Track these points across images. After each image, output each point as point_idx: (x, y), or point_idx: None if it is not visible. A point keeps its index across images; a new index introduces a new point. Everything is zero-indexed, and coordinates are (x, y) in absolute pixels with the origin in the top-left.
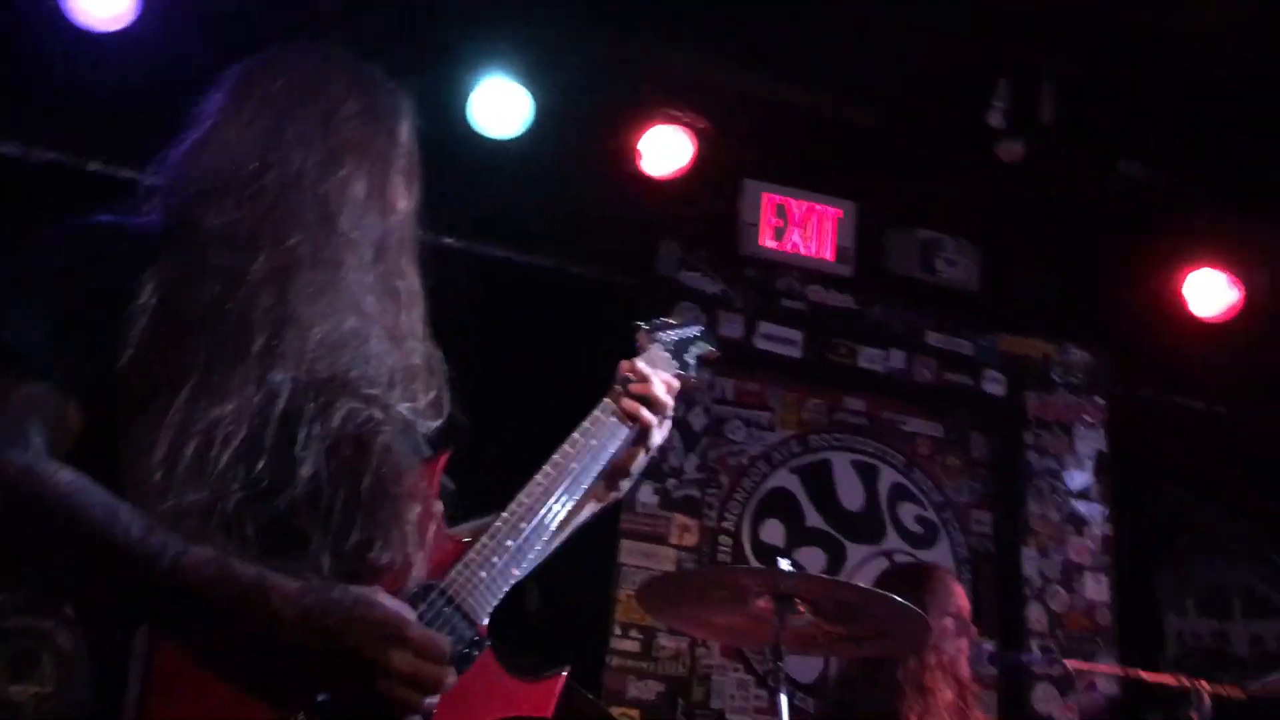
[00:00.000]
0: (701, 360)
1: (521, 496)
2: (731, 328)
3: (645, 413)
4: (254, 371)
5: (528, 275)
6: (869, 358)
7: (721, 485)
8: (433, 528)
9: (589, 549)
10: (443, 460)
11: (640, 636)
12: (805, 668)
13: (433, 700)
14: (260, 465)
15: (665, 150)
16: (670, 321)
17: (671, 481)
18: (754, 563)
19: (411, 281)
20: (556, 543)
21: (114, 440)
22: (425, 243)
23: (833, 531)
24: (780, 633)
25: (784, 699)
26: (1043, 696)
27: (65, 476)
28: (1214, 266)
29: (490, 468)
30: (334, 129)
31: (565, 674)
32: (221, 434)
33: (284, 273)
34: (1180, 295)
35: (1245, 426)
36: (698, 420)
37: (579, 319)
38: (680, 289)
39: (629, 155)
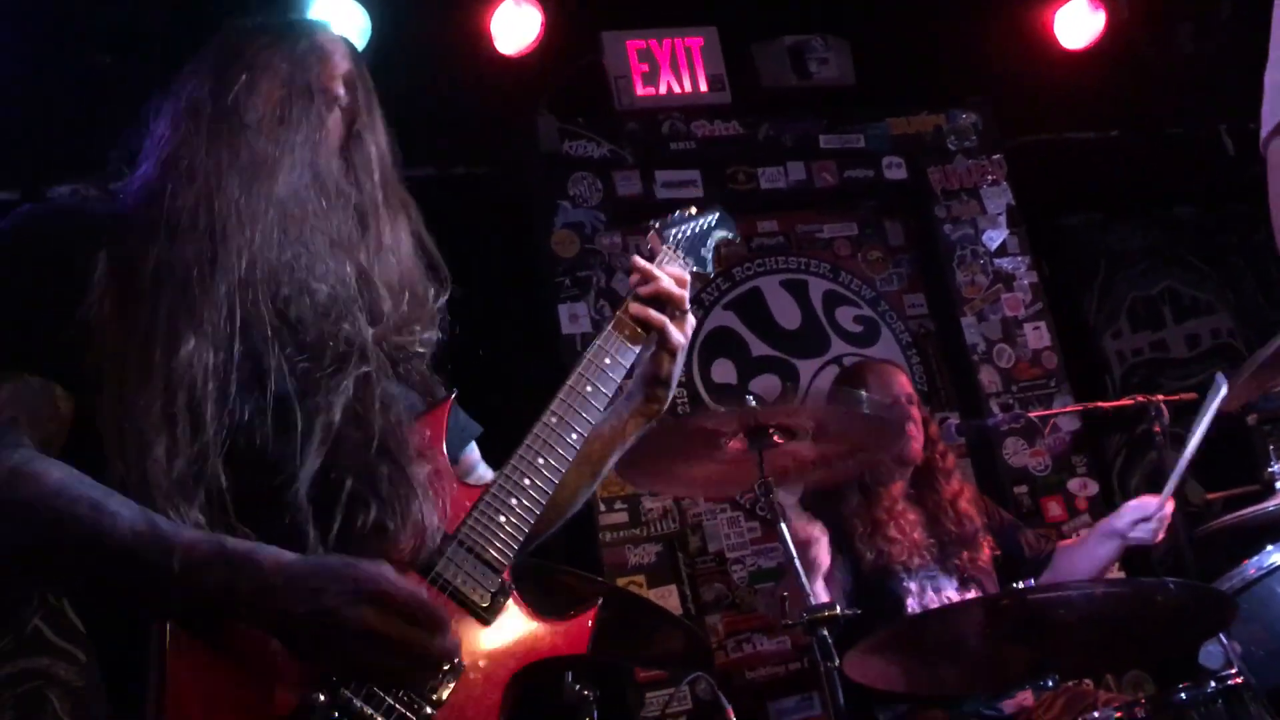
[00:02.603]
0: (721, 247)
1: (535, 431)
2: (629, 185)
3: (654, 313)
4: (224, 329)
5: (414, 191)
6: (769, 177)
7: None
8: (444, 480)
9: None
10: (446, 407)
11: (625, 506)
12: (788, 492)
13: (433, 676)
14: (255, 435)
15: (516, 26)
16: (685, 214)
17: None
18: (712, 406)
19: (382, 204)
20: (602, 474)
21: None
22: None
23: (780, 354)
24: (763, 468)
25: (784, 528)
26: (1012, 450)
27: (55, 476)
28: None
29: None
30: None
31: (597, 606)
32: (211, 378)
33: (233, 233)
34: (1049, 33)
35: (1136, 145)
36: (622, 284)
37: (477, 219)
38: (568, 161)
39: (482, 41)
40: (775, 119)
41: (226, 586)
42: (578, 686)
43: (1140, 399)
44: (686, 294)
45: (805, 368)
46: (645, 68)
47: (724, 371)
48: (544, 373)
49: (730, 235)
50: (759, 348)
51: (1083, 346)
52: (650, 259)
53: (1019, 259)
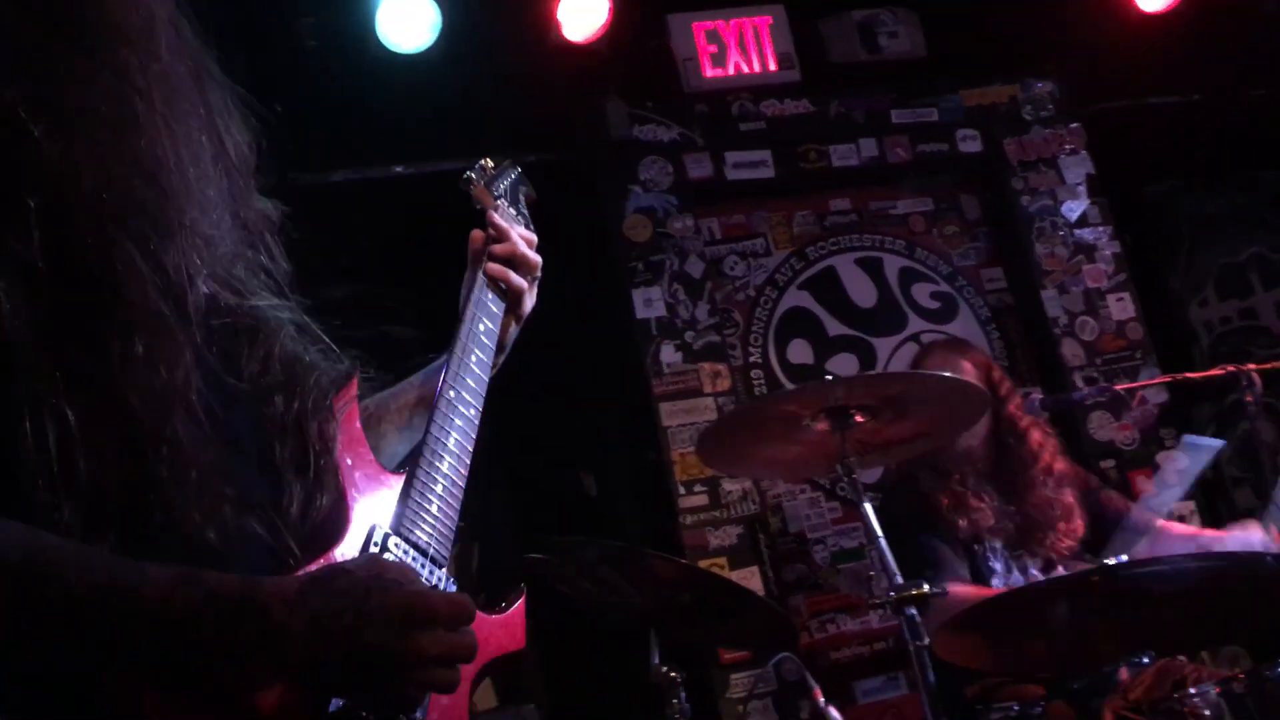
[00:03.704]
0: (527, 201)
1: (440, 408)
2: (700, 167)
3: (514, 277)
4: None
5: None
6: (841, 155)
7: (737, 323)
8: (364, 464)
9: (628, 425)
10: (353, 387)
11: (705, 489)
12: (868, 472)
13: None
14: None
15: (583, 12)
16: (491, 168)
17: (689, 334)
18: (789, 387)
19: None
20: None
21: None
22: (378, 177)
23: (856, 333)
24: (845, 448)
25: (868, 507)
26: (1099, 424)
27: None
28: None
29: None
30: None
31: (524, 596)
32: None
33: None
34: None
35: (1218, 109)
36: (695, 267)
37: (549, 206)
38: (638, 145)
39: (550, 29)
40: (846, 95)
41: (222, 638)
42: (664, 668)
43: (1231, 369)
44: (538, 257)
45: (882, 346)
46: (713, 49)
47: (800, 352)
48: (619, 359)
49: (530, 190)
50: (835, 327)
51: (1168, 317)
52: (482, 211)
53: (1100, 229)
